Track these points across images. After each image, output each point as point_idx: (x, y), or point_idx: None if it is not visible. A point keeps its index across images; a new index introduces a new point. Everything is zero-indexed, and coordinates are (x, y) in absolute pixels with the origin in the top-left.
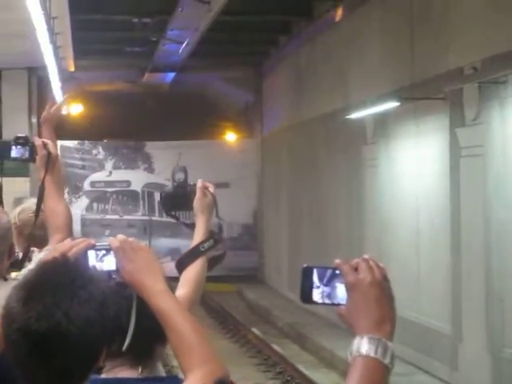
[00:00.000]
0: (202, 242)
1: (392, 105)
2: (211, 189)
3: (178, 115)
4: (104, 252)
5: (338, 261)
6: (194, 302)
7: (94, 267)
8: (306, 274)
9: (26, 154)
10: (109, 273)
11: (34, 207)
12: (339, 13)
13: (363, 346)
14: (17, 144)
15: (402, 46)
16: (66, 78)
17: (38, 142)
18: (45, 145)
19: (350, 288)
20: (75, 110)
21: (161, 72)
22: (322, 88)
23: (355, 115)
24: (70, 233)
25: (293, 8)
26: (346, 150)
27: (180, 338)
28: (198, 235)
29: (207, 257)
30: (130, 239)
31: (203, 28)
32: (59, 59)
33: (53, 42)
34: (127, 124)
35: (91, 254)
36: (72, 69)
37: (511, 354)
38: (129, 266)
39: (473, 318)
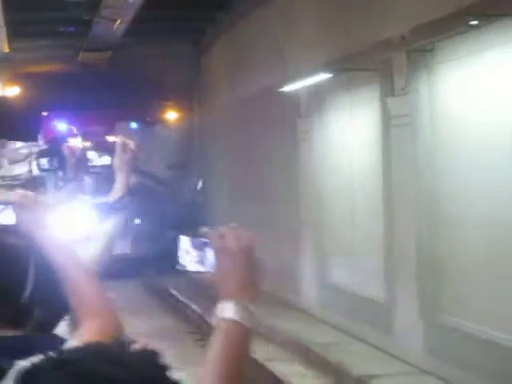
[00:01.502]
0: (119, 200)
1: (324, 77)
2: (131, 146)
3: (117, 94)
4: (3, 206)
5: (205, 229)
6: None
7: None
8: (179, 242)
9: (56, 164)
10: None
11: None
12: None
13: (228, 310)
14: (45, 155)
15: (336, 17)
16: (0, 59)
17: (66, 149)
18: (73, 150)
19: (217, 254)
20: (12, 92)
21: (96, 51)
22: (259, 62)
23: (288, 88)
24: None
25: None
26: (282, 123)
27: (75, 289)
28: (116, 192)
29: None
30: (29, 193)
31: (137, 5)
32: None
33: None
34: (65, 105)
35: None
36: (6, 50)
37: (443, 319)
38: (27, 218)
39: (405, 285)
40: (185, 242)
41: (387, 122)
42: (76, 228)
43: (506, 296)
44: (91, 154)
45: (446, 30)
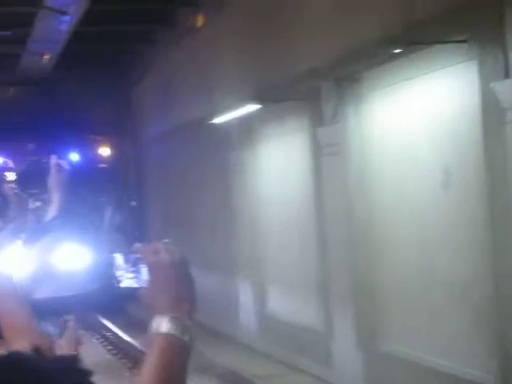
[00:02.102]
0: (53, 219)
1: (253, 108)
2: (64, 165)
3: (51, 127)
4: None
5: (138, 244)
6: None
7: None
8: (113, 260)
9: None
10: None
11: None
12: (199, 19)
13: (163, 324)
14: None
15: (260, 48)
16: None
17: (7, 189)
18: (14, 191)
19: (150, 269)
20: None
21: (26, 85)
22: (188, 94)
23: (219, 120)
24: None
25: (154, 16)
26: (214, 154)
27: (4, 313)
28: (52, 211)
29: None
30: None
31: (64, 39)
32: None
33: None
34: None
35: None
36: None
37: (381, 347)
38: None
39: (342, 314)
40: (119, 259)
41: (318, 151)
42: (18, 269)
43: (441, 321)
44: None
45: (370, 58)
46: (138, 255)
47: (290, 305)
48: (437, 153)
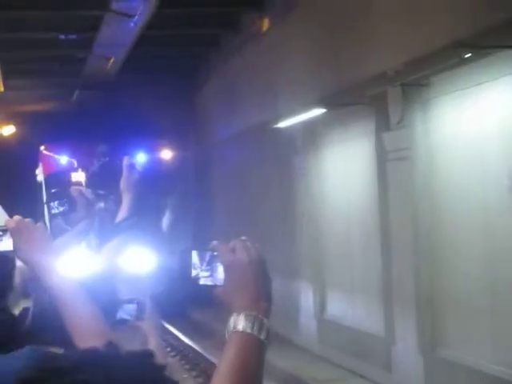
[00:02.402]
0: (124, 220)
1: (318, 112)
2: (137, 166)
3: (112, 133)
4: (0, 233)
5: (214, 242)
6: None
7: None
8: (186, 256)
9: (67, 207)
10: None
11: None
12: (265, 24)
13: (239, 322)
14: (54, 199)
15: (326, 53)
16: None
17: (74, 191)
18: (81, 192)
19: (227, 268)
20: (8, 131)
21: (90, 89)
22: (252, 99)
23: (283, 124)
24: None
25: (220, 20)
26: (277, 159)
27: (69, 310)
28: (122, 212)
29: None
30: (26, 220)
31: (130, 43)
32: None
33: None
34: (63, 137)
35: None
36: (1, 89)
37: (442, 354)
38: (24, 245)
39: (404, 319)
40: (195, 256)
41: (383, 156)
42: (83, 271)
43: (507, 329)
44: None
45: (439, 64)
46: (213, 253)
47: (350, 310)
48: (504, 158)
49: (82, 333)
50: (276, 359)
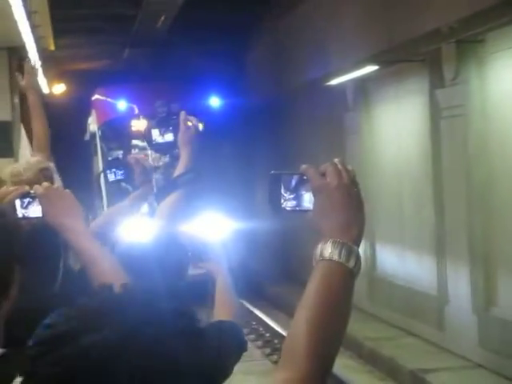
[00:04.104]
0: (181, 175)
1: (371, 69)
2: (193, 121)
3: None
4: (29, 199)
5: (304, 166)
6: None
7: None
8: (274, 181)
9: (124, 175)
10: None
11: (41, 165)
12: None
13: (326, 249)
14: (111, 167)
15: (378, 10)
16: (46, 57)
17: (131, 160)
18: (138, 160)
19: (316, 192)
20: (58, 89)
21: (140, 47)
22: (303, 57)
23: (335, 81)
24: (48, 151)
25: None
26: (329, 118)
27: (97, 271)
28: (180, 168)
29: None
30: (54, 186)
31: (180, 2)
32: (38, 38)
33: (30, 20)
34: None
35: (17, 202)
36: (52, 48)
37: (496, 313)
38: (52, 210)
39: (458, 278)
40: (280, 180)
41: (436, 113)
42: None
43: None
44: (154, 133)
45: (496, 20)
46: (302, 177)
47: (404, 270)
48: None
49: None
50: None
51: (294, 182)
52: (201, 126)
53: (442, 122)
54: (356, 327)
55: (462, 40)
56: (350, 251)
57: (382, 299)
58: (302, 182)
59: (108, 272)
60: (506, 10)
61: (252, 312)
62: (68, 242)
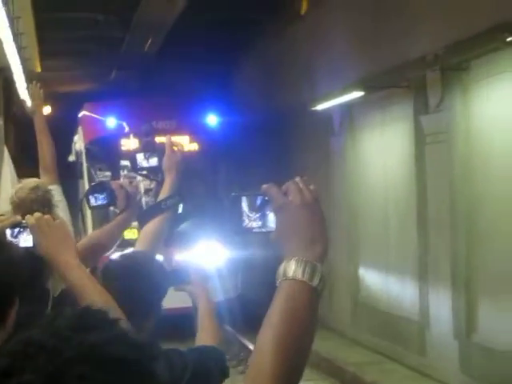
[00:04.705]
0: (165, 200)
1: (357, 94)
2: (179, 146)
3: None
4: (19, 229)
5: (265, 186)
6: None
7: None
8: (234, 202)
9: (106, 200)
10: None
11: (32, 184)
12: (304, 6)
13: (290, 268)
14: (94, 192)
15: (367, 35)
16: (32, 78)
17: (114, 185)
18: (121, 185)
19: (278, 211)
20: (44, 111)
21: (128, 69)
22: (291, 80)
23: (321, 106)
24: (55, 173)
25: (259, 3)
26: (316, 141)
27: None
28: (164, 192)
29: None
30: (46, 216)
31: (169, 25)
32: (24, 60)
33: (17, 42)
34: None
35: (7, 231)
36: (38, 69)
37: (477, 339)
38: (44, 241)
39: (439, 304)
40: (244, 202)
41: (421, 139)
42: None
43: None
44: (139, 157)
45: (480, 48)
46: (264, 198)
47: (387, 294)
48: None
49: None
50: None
51: (258, 202)
52: (196, 147)
53: (427, 148)
54: (337, 352)
55: (447, 67)
56: (314, 269)
57: (365, 324)
58: (266, 202)
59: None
60: (489, 39)
61: (246, 347)
62: (59, 274)
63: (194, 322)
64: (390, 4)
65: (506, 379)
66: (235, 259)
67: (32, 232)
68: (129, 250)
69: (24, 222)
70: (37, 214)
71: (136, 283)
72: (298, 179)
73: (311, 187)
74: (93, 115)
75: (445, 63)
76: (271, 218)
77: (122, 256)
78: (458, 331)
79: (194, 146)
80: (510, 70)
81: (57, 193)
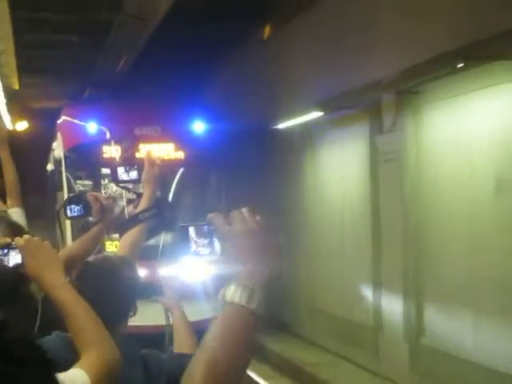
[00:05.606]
0: (143, 211)
1: (316, 115)
2: (158, 161)
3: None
4: (6, 250)
5: (210, 215)
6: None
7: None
8: (182, 232)
9: (82, 212)
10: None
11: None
12: (267, 31)
13: (229, 292)
14: (71, 203)
15: (326, 60)
16: (11, 95)
17: (90, 197)
18: (96, 197)
19: (221, 239)
20: (20, 126)
21: (101, 87)
22: (254, 100)
23: (283, 125)
24: (19, 198)
25: (224, 29)
26: (280, 159)
27: (76, 324)
28: (142, 204)
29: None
30: (35, 238)
31: (141, 45)
32: (3, 77)
33: None
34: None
35: None
36: (16, 87)
37: (425, 341)
38: (32, 263)
39: (392, 310)
40: (192, 232)
41: (376, 158)
42: None
43: (482, 319)
44: (120, 170)
45: (434, 72)
46: (210, 227)
47: (343, 303)
48: (491, 163)
49: (84, 342)
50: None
51: (204, 231)
52: (182, 155)
53: (381, 166)
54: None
55: (401, 90)
56: (252, 294)
57: (322, 328)
58: (212, 231)
59: (87, 327)
60: (441, 64)
61: None
62: (48, 294)
63: (165, 337)
64: (350, 31)
65: (449, 376)
66: (221, 274)
67: (21, 253)
68: (106, 252)
69: (14, 243)
70: (26, 236)
71: (107, 282)
72: (243, 209)
73: (257, 217)
74: (72, 120)
75: (399, 87)
76: (217, 244)
77: (96, 257)
78: (408, 335)
79: (180, 155)
80: (461, 94)
81: (18, 215)
